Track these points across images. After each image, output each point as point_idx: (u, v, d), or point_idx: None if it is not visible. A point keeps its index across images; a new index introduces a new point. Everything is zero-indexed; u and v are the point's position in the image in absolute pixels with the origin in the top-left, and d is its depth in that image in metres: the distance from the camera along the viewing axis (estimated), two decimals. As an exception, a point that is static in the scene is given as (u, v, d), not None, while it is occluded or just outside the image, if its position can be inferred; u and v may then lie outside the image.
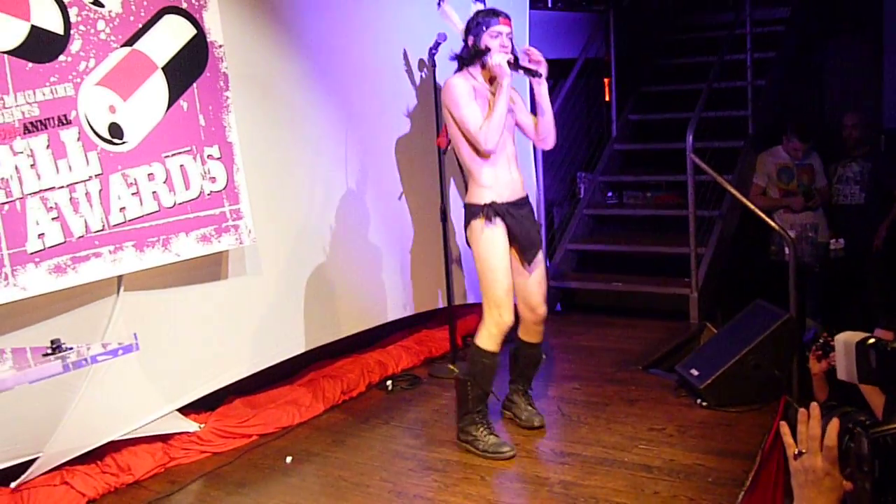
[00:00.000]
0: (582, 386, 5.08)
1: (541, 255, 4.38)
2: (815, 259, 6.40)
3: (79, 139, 3.69)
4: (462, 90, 4.12)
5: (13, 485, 3.79)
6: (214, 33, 4.19)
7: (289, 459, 4.28)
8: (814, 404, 1.81)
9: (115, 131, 3.83)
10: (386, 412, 4.86)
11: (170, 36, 4.02)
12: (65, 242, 3.65)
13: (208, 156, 4.17)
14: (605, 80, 7.99)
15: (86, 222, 3.73)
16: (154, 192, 3.97)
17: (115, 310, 4.02)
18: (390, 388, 5.19)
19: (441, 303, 5.71)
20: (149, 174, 3.95)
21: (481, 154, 4.11)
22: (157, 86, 3.98)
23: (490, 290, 4.16)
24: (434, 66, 5.16)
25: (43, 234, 3.58)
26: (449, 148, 4.66)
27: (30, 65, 3.53)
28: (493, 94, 4.11)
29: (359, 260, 5.31)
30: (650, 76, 8.49)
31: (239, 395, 4.70)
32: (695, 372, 4.70)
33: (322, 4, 5.00)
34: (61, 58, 3.63)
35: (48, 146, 3.59)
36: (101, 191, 3.77)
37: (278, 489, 4.01)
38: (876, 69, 8.26)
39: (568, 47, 7.63)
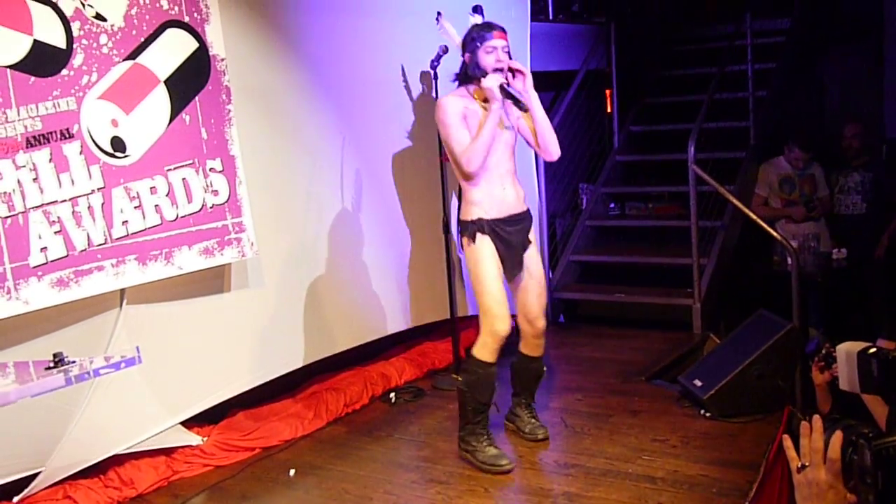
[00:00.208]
0: (585, 397, 5.07)
1: (540, 269, 4.37)
2: (817, 269, 6.39)
3: (81, 153, 3.70)
4: (451, 110, 4.10)
5: (16, 499, 3.78)
6: (216, 47, 4.21)
7: (292, 472, 4.27)
8: (816, 417, 1.80)
9: (118, 145, 3.84)
10: (389, 425, 4.85)
11: (172, 49, 4.03)
12: (67, 256, 3.66)
13: (210, 169, 4.18)
14: (607, 92, 8.00)
15: (88, 236, 3.73)
16: (156, 206, 3.98)
17: (118, 323, 4.02)
18: (393, 400, 5.18)
19: (444, 314, 5.70)
20: (151, 187, 3.96)
21: (470, 175, 4.10)
22: (160, 99, 3.99)
23: (483, 301, 4.16)
24: (436, 78, 5.17)
25: (45, 247, 3.58)
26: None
27: (32, 79, 3.54)
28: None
29: (360, 272, 5.30)
30: (652, 87, 8.51)
31: (242, 408, 4.70)
32: (698, 382, 4.69)
33: (324, 17, 5.01)
34: (64, 72, 3.65)
35: (51, 160, 3.60)
36: (103, 204, 3.78)
37: (282, 502, 4.01)
38: (877, 79, 8.27)
39: (569, 59, 7.65)
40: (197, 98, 4.13)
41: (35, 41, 3.54)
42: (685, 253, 6.45)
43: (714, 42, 8.26)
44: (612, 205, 7.91)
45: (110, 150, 3.81)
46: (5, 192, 3.47)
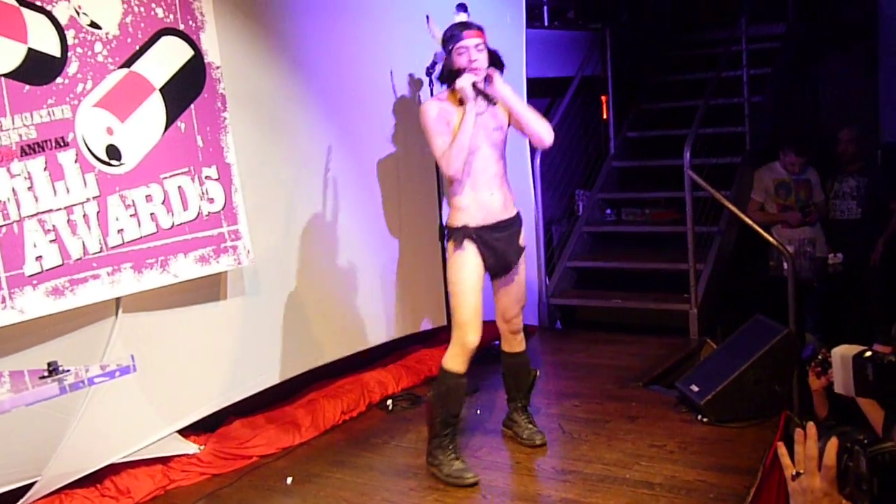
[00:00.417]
0: (582, 403, 5.07)
1: (522, 273, 4.35)
2: (813, 274, 6.40)
3: (76, 161, 3.70)
4: (430, 114, 4.10)
5: (12, 509, 3.78)
6: (212, 54, 4.21)
7: (289, 480, 4.25)
8: (810, 424, 1.80)
9: (113, 153, 3.83)
10: (386, 432, 4.84)
11: (167, 57, 4.03)
12: (63, 265, 3.65)
13: (206, 177, 4.18)
14: (603, 98, 8.02)
15: (84, 244, 3.72)
16: (152, 214, 3.97)
17: (114, 332, 4.01)
18: (391, 407, 5.17)
19: (441, 321, 5.70)
20: (147, 195, 3.95)
21: (452, 177, 4.09)
22: (155, 107, 3.99)
23: (457, 310, 4.14)
24: (432, 84, 5.16)
25: (41, 256, 3.58)
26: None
27: (27, 87, 3.53)
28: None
29: (358, 279, 5.30)
30: (647, 93, 8.52)
31: (238, 417, 4.68)
32: (695, 388, 4.69)
33: (319, 25, 5.01)
34: (58, 80, 3.64)
35: (46, 168, 3.59)
36: (98, 213, 3.78)
37: (278, 510, 4.00)
38: (872, 84, 8.30)
39: (565, 66, 7.67)
40: (192, 106, 4.13)
41: (30, 49, 3.54)
42: (682, 258, 6.45)
43: (709, 47, 8.29)
44: (608, 211, 7.91)
45: (105, 159, 3.81)
46: (0, 201, 3.46)
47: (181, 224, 4.08)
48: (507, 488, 4.06)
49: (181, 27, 4.08)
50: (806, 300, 6.14)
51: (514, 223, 4.26)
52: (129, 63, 3.89)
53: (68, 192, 3.67)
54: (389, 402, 5.21)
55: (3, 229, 3.47)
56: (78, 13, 3.70)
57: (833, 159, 6.82)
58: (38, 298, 3.57)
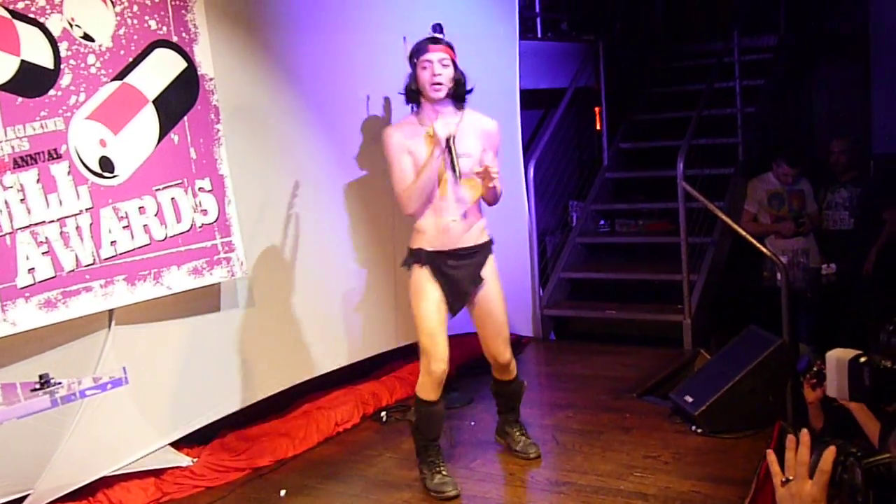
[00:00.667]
0: (576, 414, 5.06)
1: (500, 308, 4.20)
2: (807, 284, 6.40)
3: (69, 173, 3.69)
4: (392, 142, 4.00)
5: (4, 522, 3.76)
6: (205, 66, 4.21)
7: (283, 493, 4.24)
8: (804, 430, 1.79)
9: (106, 165, 3.83)
10: (380, 443, 4.82)
11: (160, 69, 4.03)
12: (55, 277, 3.64)
13: (200, 188, 4.17)
14: (596, 109, 8.04)
15: (76, 256, 3.72)
16: (145, 226, 3.97)
17: (107, 344, 4.00)
18: (384, 419, 5.16)
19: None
20: (140, 207, 3.95)
21: (410, 215, 4.00)
22: (148, 119, 3.99)
23: (420, 339, 4.09)
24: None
25: (33, 268, 3.57)
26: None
27: (20, 99, 3.53)
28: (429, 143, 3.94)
29: (352, 290, 5.30)
30: (640, 105, 8.54)
31: (232, 429, 4.67)
32: (689, 398, 4.69)
33: (313, 37, 5.01)
34: (51, 92, 3.64)
35: (38, 180, 3.59)
36: (91, 225, 3.77)
37: (272, 523, 3.98)
38: (864, 95, 8.32)
39: (558, 77, 7.68)
40: (185, 118, 4.13)
41: (22, 62, 3.54)
42: (675, 269, 6.45)
43: (702, 59, 8.31)
44: (602, 222, 7.92)
45: (98, 171, 3.80)
46: (-7, 213, 3.46)
47: (174, 236, 4.08)
48: (501, 500, 4.05)
49: (174, 39, 4.08)
50: (799, 311, 6.14)
51: (480, 252, 4.11)
52: (122, 75, 3.89)
53: (61, 204, 3.67)
54: (383, 413, 5.20)
55: (-4, 241, 3.46)
56: (71, 25, 3.70)
57: (826, 170, 6.83)
58: (31, 311, 3.56)
